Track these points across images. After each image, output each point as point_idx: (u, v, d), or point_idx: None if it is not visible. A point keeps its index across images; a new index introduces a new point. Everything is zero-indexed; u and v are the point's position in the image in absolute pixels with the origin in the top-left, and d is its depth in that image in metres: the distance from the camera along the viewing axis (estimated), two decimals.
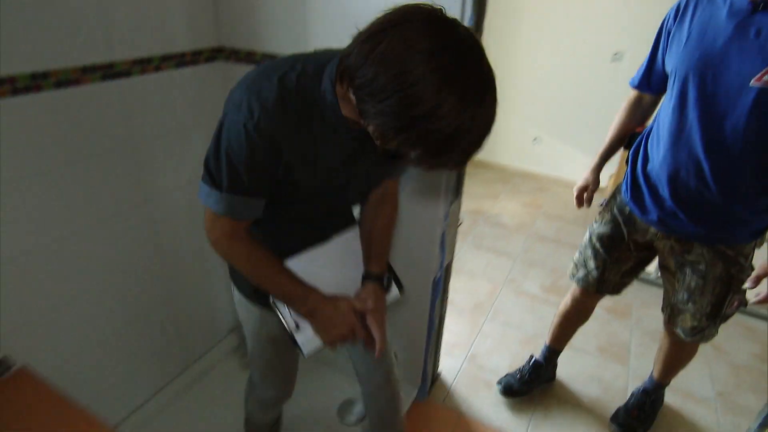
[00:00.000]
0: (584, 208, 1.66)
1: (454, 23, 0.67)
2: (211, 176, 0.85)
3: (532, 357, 2.02)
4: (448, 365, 2.14)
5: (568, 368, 2.14)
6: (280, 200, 0.91)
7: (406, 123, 0.64)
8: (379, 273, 1.08)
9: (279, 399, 1.33)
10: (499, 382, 1.99)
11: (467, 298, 2.60)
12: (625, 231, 1.55)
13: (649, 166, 1.41)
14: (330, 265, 1.06)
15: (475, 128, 0.65)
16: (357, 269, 1.11)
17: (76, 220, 1.36)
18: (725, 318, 1.49)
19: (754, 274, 1.36)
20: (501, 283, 2.73)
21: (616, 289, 1.70)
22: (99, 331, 1.52)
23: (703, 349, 2.18)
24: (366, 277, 1.08)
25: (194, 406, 1.79)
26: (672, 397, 2.01)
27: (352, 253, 1.11)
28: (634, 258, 1.61)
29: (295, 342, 1.01)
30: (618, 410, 1.90)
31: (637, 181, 1.46)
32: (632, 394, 1.93)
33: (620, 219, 1.56)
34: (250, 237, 0.93)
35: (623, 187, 1.54)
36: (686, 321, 1.52)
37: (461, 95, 0.63)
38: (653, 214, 1.43)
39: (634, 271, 1.66)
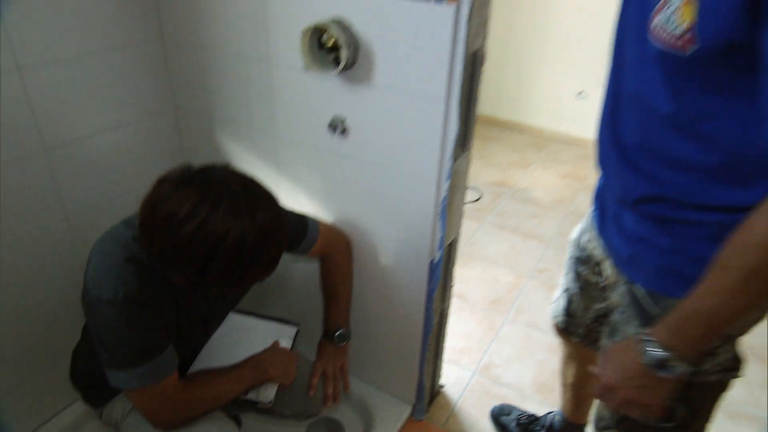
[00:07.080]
0: None
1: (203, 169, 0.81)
2: (114, 360, 0.87)
3: (549, 416, 1.44)
4: (453, 377, 1.66)
5: None
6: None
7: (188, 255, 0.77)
8: (329, 329, 1.25)
9: None
10: (495, 415, 1.51)
11: (483, 291, 2.06)
12: None
13: None
14: (228, 350, 1.18)
15: (251, 232, 0.77)
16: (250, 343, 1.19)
17: None
18: None
19: None
20: (527, 274, 2.17)
21: None
22: None
23: None
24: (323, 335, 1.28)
25: None
26: None
27: (236, 332, 1.24)
28: None
29: (255, 403, 1.12)
30: None
31: None
32: None
33: None
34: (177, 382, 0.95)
35: None
36: None
37: (221, 209, 0.75)
38: None
39: None
